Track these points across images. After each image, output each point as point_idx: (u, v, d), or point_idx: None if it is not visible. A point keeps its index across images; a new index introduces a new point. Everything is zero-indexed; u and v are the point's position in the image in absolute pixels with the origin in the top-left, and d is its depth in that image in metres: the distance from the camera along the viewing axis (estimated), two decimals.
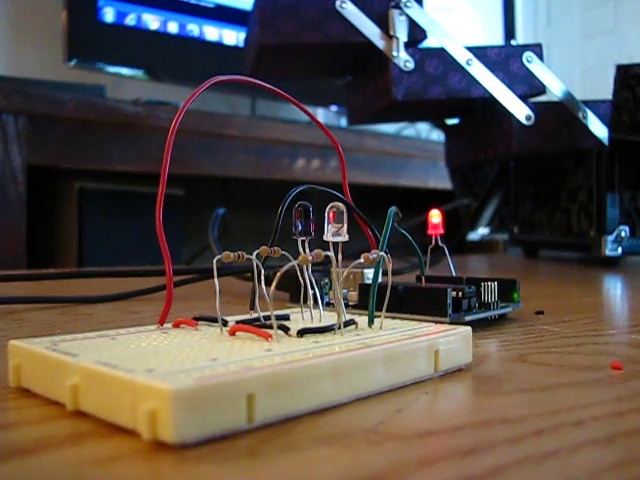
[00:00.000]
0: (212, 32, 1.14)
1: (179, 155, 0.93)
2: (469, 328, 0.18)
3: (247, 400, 0.12)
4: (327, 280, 0.27)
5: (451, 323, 0.20)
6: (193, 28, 1.12)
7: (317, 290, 0.20)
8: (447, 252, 0.28)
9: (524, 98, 0.51)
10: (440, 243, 0.27)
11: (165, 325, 0.19)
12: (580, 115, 0.51)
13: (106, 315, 0.28)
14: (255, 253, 0.19)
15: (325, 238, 0.18)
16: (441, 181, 1.19)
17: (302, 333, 0.17)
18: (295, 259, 0.17)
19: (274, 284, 0.16)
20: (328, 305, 0.26)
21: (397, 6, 0.49)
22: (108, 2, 1.03)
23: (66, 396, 0.13)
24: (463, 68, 0.49)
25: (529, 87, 0.51)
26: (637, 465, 0.11)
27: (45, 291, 0.36)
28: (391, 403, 0.14)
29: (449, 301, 0.23)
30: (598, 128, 0.52)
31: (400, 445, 0.12)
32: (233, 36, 1.16)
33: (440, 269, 0.42)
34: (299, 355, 0.14)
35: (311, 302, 0.19)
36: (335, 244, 0.18)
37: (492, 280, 0.25)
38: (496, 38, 1.54)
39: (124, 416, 0.12)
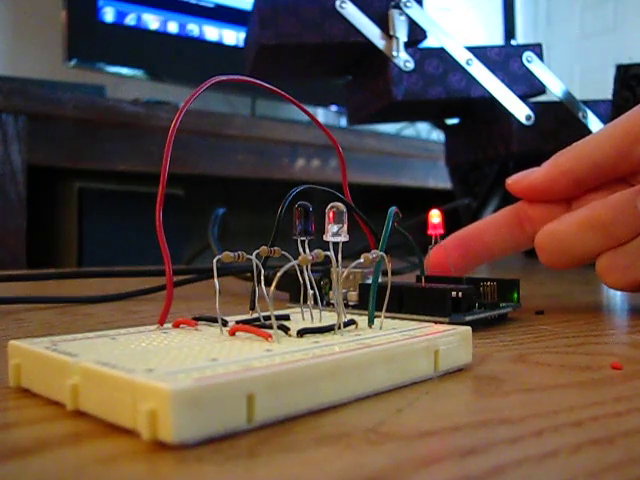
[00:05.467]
0: (212, 32, 1.14)
1: (179, 155, 0.93)
2: (469, 328, 0.18)
3: (247, 400, 0.12)
4: (327, 280, 0.27)
5: (451, 323, 0.20)
6: (193, 28, 1.12)
7: (317, 290, 0.20)
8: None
9: (524, 98, 0.51)
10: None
11: (165, 325, 0.19)
12: (580, 115, 0.51)
13: (106, 315, 0.28)
14: (255, 253, 0.19)
15: (325, 238, 0.18)
16: (441, 181, 1.19)
17: (302, 333, 0.17)
18: (295, 259, 0.17)
19: (274, 284, 0.16)
20: (328, 305, 0.26)
21: (397, 6, 0.49)
22: (108, 2, 1.03)
23: (66, 396, 0.13)
24: (463, 68, 0.49)
25: (529, 87, 0.51)
26: (637, 465, 0.11)
27: (45, 291, 0.36)
28: (391, 403, 0.14)
29: (449, 301, 0.23)
30: (598, 128, 0.52)
31: (400, 445, 0.12)
32: (233, 36, 1.16)
33: None
34: (299, 355, 0.14)
35: (311, 302, 0.19)
36: (335, 244, 0.18)
37: (492, 280, 0.25)
38: (496, 38, 1.54)
39: (124, 416, 0.12)
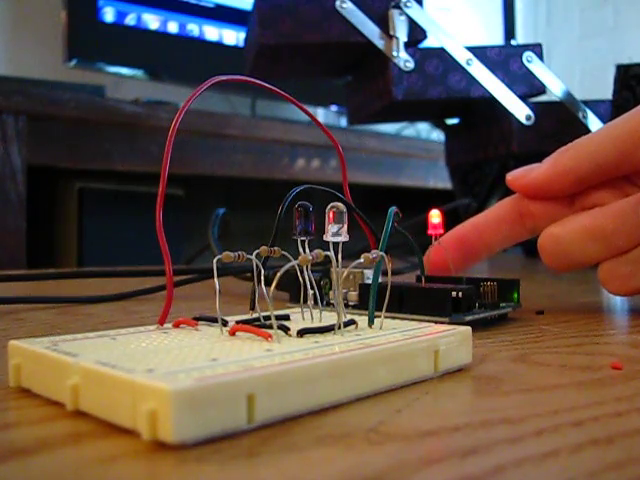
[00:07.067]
0: (212, 32, 1.14)
1: (179, 155, 0.93)
2: (469, 328, 0.18)
3: (247, 400, 0.12)
4: (327, 280, 0.27)
5: (451, 323, 0.20)
6: (193, 28, 1.12)
7: (317, 290, 0.20)
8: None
9: (524, 98, 0.51)
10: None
11: (165, 325, 0.19)
12: (580, 115, 0.51)
13: (106, 315, 0.28)
14: (255, 253, 0.19)
15: (325, 238, 0.18)
16: (441, 181, 1.19)
17: (302, 333, 0.17)
18: (295, 259, 0.17)
19: (274, 284, 0.16)
20: (328, 305, 0.26)
21: (397, 6, 0.49)
22: (108, 2, 1.03)
23: (66, 396, 0.13)
24: (463, 68, 0.49)
25: (529, 87, 0.51)
26: (637, 465, 0.11)
27: (45, 291, 0.36)
28: (391, 403, 0.14)
29: (449, 301, 0.23)
30: (598, 128, 0.52)
31: (400, 445, 0.12)
32: (233, 36, 1.16)
33: None
34: (299, 355, 0.14)
35: (311, 302, 0.19)
36: (335, 244, 0.18)
37: (492, 280, 0.25)
38: (496, 38, 1.54)
39: (124, 416, 0.12)
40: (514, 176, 0.29)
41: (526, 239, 0.31)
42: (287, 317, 0.20)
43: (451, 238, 0.30)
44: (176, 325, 0.18)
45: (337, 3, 0.48)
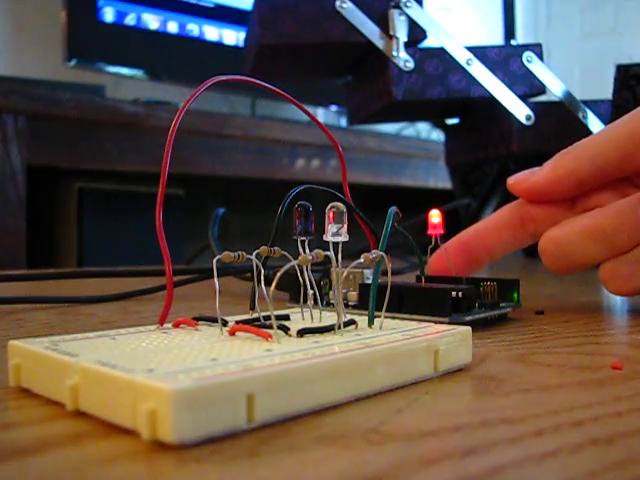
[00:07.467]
0: (212, 32, 1.14)
1: (179, 155, 0.93)
2: (469, 328, 0.18)
3: (247, 400, 0.12)
4: (327, 280, 0.27)
5: (451, 323, 0.20)
6: (193, 28, 1.12)
7: (317, 290, 0.20)
8: (447, 252, 0.28)
9: (524, 98, 0.51)
10: (440, 243, 0.27)
11: (165, 325, 0.19)
12: (580, 115, 0.51)
13: (106, 315, 0.28)
14: (255, 253, 0.19)
15: (325, 238, 0.18)
16: (441, 181, 1.19)
17: (302, 333, 0.17)
18: (295, 259, 0.17)
19: (274, 284, 0.16)
20: (328, 305, 0.26)
21: (397, 6, 0.49)
22: (108, 2, 1.03)
23: (66, 396, 0.13)
24: (463, 68, 0.49)
25: (529, 87, 0.51)
26: (637, 465, 0.11)
27: (45, 291, 0.36)
28: (391, 403, 0.14)
29: (449, 301, 0.23)
30: (598, 128, 0.52)
31: (400, 445, 0.12)
32: (233, 36, 1.16)
33: None
34: (299, 355, 0.14)
35: (311, 302, 0.19)
36: (335, 244, 0.18)
37: (492, 280, 0.25)
38: (496, 38, 1.54)
39: (124, 416, 0.12)
40: (515, 180, 0.29)
41: (528, 244, 0.30)
42: (287, 317, 0.20)
43: (454, 245, 0.30)
44: (176, 325, 0.18)
45: (337, 3, 0.48)
